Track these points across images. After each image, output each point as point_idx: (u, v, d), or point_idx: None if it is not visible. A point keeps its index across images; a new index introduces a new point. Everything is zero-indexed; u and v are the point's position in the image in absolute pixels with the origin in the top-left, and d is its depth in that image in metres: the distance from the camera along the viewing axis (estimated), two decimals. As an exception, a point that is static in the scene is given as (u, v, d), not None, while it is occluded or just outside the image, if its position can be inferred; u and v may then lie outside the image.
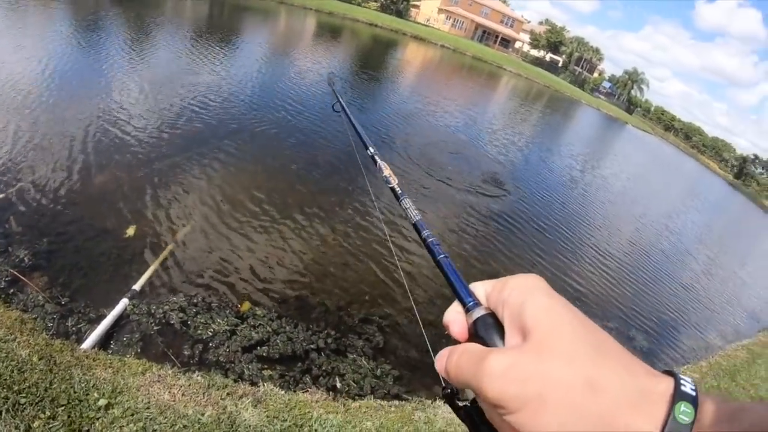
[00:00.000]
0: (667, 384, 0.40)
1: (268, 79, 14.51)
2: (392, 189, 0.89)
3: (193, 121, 9.13)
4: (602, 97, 79.61)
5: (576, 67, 78.70)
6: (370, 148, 1.15)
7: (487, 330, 0.51)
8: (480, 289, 0.56)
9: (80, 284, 4.56)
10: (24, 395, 2.91)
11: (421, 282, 6.35)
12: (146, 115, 8.84)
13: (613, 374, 0.40)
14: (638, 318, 7.81)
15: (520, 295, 0.49)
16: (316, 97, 13.57)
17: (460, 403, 0.55)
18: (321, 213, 7.12)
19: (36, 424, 2.76)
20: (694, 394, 0.39)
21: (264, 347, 4.43)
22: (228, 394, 3.51)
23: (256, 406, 3.47)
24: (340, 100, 1.84)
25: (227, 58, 15.78)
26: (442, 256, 0.65)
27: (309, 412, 3.59)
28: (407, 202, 0.81)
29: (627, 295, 8.55)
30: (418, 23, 66.66)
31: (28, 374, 3.08)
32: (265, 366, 4.26)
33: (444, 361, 0.51)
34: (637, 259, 10.67)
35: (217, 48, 16.74)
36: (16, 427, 2.70)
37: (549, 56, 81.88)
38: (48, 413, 2.85)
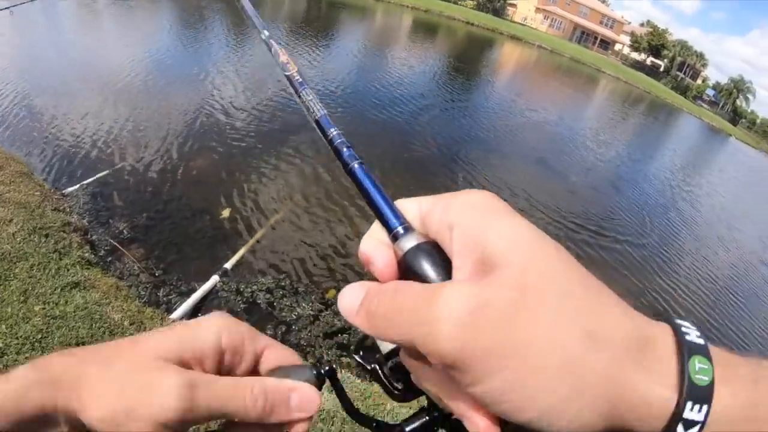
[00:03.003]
0: (665, 331, 0.31)
1: (361, 76, 14.59)
2: (289, 78, 0.65)
3: (289, 113, 9.31)
4: (705, 105, 74.35)
5: (678, 73, 73.98)
6: (264, 31, 0.86)
7: (428, 263, 0.35)
8: (412, 207, 0.39)
9: (174, 259, 4.72)
10: (113, 356, 2.98)
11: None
12: (245, 105, 9.14)
13: (614, 322, 0.30)
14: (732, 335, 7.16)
15: (478, 216, 0.34)
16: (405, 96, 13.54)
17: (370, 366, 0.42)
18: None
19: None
20: (703, 343, 0.30)
21: (345, 335, 4.37)
22: (306, 376, 3.48)
23: (331, 392, 3.41)
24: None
25: (322, 54, 16.10)
26: (356, 162, 0.47)
27: (383, 403, 3.49)
28: (309, 94, 0.58)
29: (724, 311, 7.85)
30: (515, 22, 65.61)
31: (118, 337, 3.16)
32: (344, 354, 4.20)
33: (356, 300, 0.36)
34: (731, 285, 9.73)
35: (313, 44, 17.14)
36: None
37: (650, 60, 77.39)
38: (133, 375, 2.91)
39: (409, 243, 0.36)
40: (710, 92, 79.44)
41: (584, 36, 71.95)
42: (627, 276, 7.53)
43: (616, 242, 8.60)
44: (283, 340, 4.09)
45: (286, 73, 0.67)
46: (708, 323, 7.17)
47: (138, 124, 7.22)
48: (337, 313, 4.53)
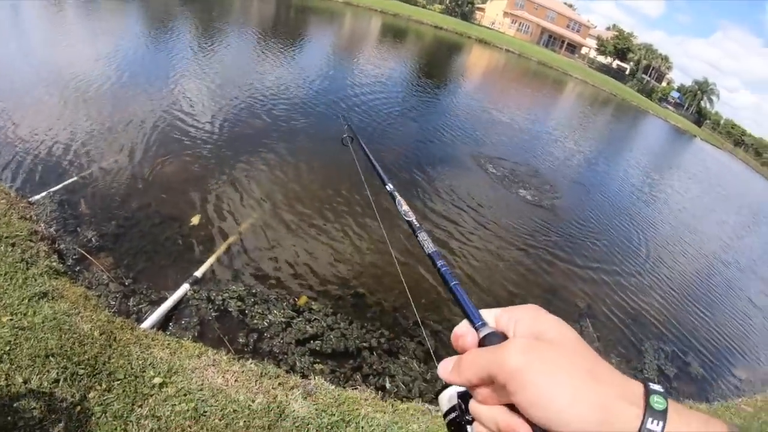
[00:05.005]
0: (638, 386, 0.50)
1: (329, 82, 14.59)
2: (409, 223, 0.93)
3: (257, 118, 9.32)
4: (670, 107, 75.44)
5: (644, 76, 75.07)
6: (389, 185, 1.16)
7: (498, 342, 0.56)
8: (488, 314, 0.62)
9: (144, 267, 4.67)
10: (83, 367, 2.96)
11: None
12: (213, 110, 9.09)
13: (608, 371, 0.51)
14: (694, 343, 7.31)
15: (531, 315, 0.58)
16: (381, 98, 13.61)
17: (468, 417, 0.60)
18: (383, 215, 7.08)
19: (92, 394, 2.80)
20: (662, 390, 0.49)
21: (317, 341, 4.39)
22: (279, 384, 3.48)
23: (305, 398, 3.43)
24: (356, 134, 1.81)
25: (291, 58, 16.11)
26: (454, 283, 0.70)
27: (357, 409, 3.51)
28: (423, 236, 0.85)
29: (685, 318, 8.01)
30: (483, 26, 65.85)
31: (88, 347, 3.14)
32: (317, 360, 4.22)
33: (451, 364, 0.59)
34: (697, 283, 9.98)
35: (282, 48, 17.13)
36: (72, 396, 2.74)
37: (616, 63, 78.48)
38: (104, 386, 2.89)
39: (485, 331, 0.58)
40: (675, 94, 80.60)
41: (551, 40, 72.72)
42: (589, 276, 7.70)
43: (582, 242, 8.78)
44: (256, 348, 4.13)
45: (408, 219, 0.94)
46: (670, 324, 7.38)
47: (105, 129, 7.12)
48: (309, 320, 4.58)
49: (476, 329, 0.59)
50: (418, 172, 9.19)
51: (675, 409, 0.47)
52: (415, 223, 0.91)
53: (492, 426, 0.54)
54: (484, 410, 0.55)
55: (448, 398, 0.64)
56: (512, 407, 0.51)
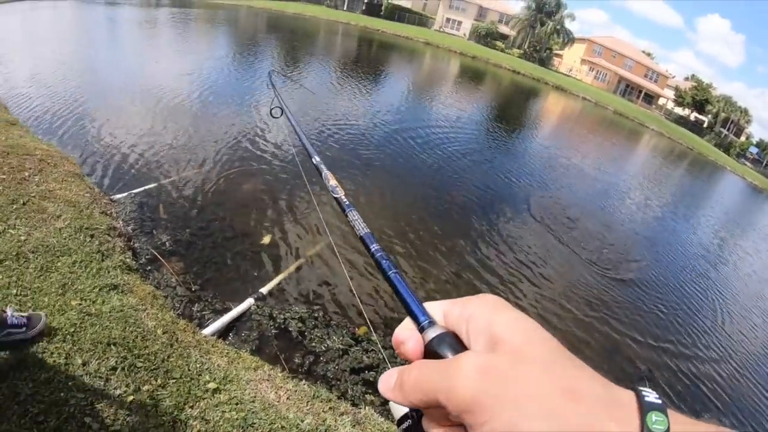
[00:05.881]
0: (629, 395, 0.40)
1: (407, 115, 14.75)
2: (338, 200, 0.85)
3: (334, 147, 9.45)
4: (748, 164, 71.29)
5: (722, 129, 71.55)
6: (315, 157, 1.14)
7: (447, 347, 0.46)
8: (436, 308, 0.52)
9: (211, 276, 4.73)
10: (141, 360, 2.96)
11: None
12: (290, 135, 9.31)
13: (589, 383, 0.39)
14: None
15: (487, 310, 0.46)
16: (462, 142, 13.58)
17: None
18: (457, 249, 6.96)
19: (146, 387, 2.77)
20: (660, 402, 0.39)
21: (371, 372, 4.26)
22: (330, 408, 3.37)
23: (354, 425, 3.30)
24: (282, 102, 1.77)
25: (370, 91, 16.47)
26: (392, 271, 0.61)
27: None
28: (354, 214, 0.77)
29: (748, 395, 7.28)
30: (560, 73, 65.14)
31: (150, 343, 3.14)
32: (369, 391, 4.08)
33: (392, 379, 0.47)
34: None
35: (363, 81, 17.52)
36: (127, 385, 2.73)
37: (694, 115, 75.31)
38: (159, 381, 2.86)
39: (432, 333, 0.48)
40: (754, 150, 76.10)
41: (628, 89, 70.83)
42: (660, 340, 7.21)
43: (650, 304, 8.28)
44: (310, 370, 4.04)
45: (335, 195, 0.87)
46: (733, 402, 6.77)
47: (189, 142, 7.46)
48: (366, 350, 4.46)
49: (421, 330, 0.49)
50: (481, 217, 9.03)
51: (677, 426, 0.38)
52: (344, 200, 0.84)
53: None
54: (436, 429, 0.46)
55: (401, 408, 0.52)
56: None
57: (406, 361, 0.49)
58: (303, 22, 33.07)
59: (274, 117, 1.87)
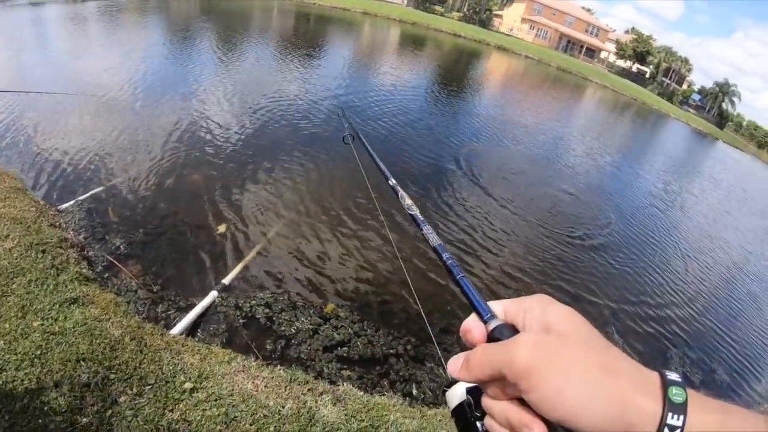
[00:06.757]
0: (655, 375, 0.49)
1: (352, 87, 14.67)
2: (413, 216, 0.95)
3: (276, 128, 9.36)
4: (691, 110, 73.27)
5: (664, 79, 73.45)
6: (391, 180, 1.21)
7: (506, 334, 0.56)
8: (497, 306, 0.61)
9: (171, 274, 4.70)
10: (114, 371, 2.95)
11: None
12: (237, 119, 9.20)
13: (623, 363, 0.49)
14: (719, 351, 7.00)
15: (541, 304, 0.57)
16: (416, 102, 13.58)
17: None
18: (407, 223, 7.03)
19: (122, 399, 2.79)
20: (680, 379, 0.48)
21: (344, 348, 4.35)
22: (309, 390, 3.44)
23: (335, 404, 3.38)
24: (357, 133, 1.96)
25: (311, 66, 16.23)
26: (460, 275, 0.70)
27: (386, 415, 3.45)
28: (428, 228, 0.87)
29: (708, 326, 7.66)
30: (502, 33, 64.90)
31: (119, 353, 3.13)
32: (345, 366, 4.17)
33: (459, 361, 0.58)
34: (719, 290, 9.48)
35: (304, 57, 17.26)
36: (104, 400, 2.73)
37: (636, 67, 77.01)
38: (135, 390, 2.87)
39: (493, 324, 0.58)
40: (696, 97, 78.45)
41: (570, 45, 71.66)
42: (609, 283, 7.53)
43: (602, 250, 8.60)
44: (284, 355, 4.10)
45: (411, 213, 0.96)
46: (694, 333, 7.18)
47: (131, 139, 7.24)
48: (336, 327, 4.54)
49: (484, 322, 0.60)
50: (435, 181, 9.13)
51: (695, 400, 0.46)
52: (419, 216, 0.93)
53: (504, 422, 0.54)
54: (496, 406, 0.54)
55: (458, 394, 0.64)
56: (525, 402, 0.50)
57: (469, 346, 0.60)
58: (237, 2, 32.01)
59: (345, 143, 2.05)
